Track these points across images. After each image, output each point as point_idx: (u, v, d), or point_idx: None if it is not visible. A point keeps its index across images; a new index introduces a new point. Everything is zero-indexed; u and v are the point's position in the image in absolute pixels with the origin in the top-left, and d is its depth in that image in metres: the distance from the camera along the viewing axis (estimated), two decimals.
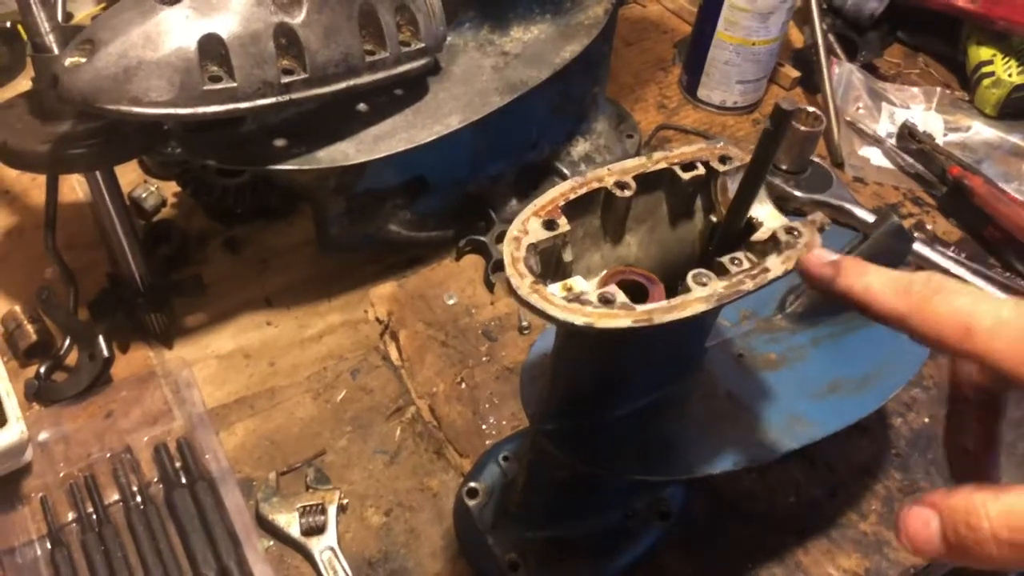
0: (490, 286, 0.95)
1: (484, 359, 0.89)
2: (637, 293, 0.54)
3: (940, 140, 1.14)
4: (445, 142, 0.84)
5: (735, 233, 0.57)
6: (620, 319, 0.48)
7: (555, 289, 0.50)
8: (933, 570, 0.80)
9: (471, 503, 0.76)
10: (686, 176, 0.57)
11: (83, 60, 0.67)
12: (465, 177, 0.97)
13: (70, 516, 0.76)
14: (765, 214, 0.56)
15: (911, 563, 0.78)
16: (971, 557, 0.38)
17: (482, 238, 0.97)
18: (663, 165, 0.58)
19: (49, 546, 0.73)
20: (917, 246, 1.00)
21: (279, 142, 0.79)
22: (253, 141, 0.80)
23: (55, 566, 0.72)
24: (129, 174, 0.99)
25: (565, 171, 1.03)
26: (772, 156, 0.53)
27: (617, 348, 0.58)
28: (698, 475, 0.65)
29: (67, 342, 0.85)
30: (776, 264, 0.53)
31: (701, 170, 0.58)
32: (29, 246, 0.95)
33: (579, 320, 0.48)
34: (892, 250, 0.75)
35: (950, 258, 1.00)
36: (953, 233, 1.07)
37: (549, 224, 0.53)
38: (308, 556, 0.74)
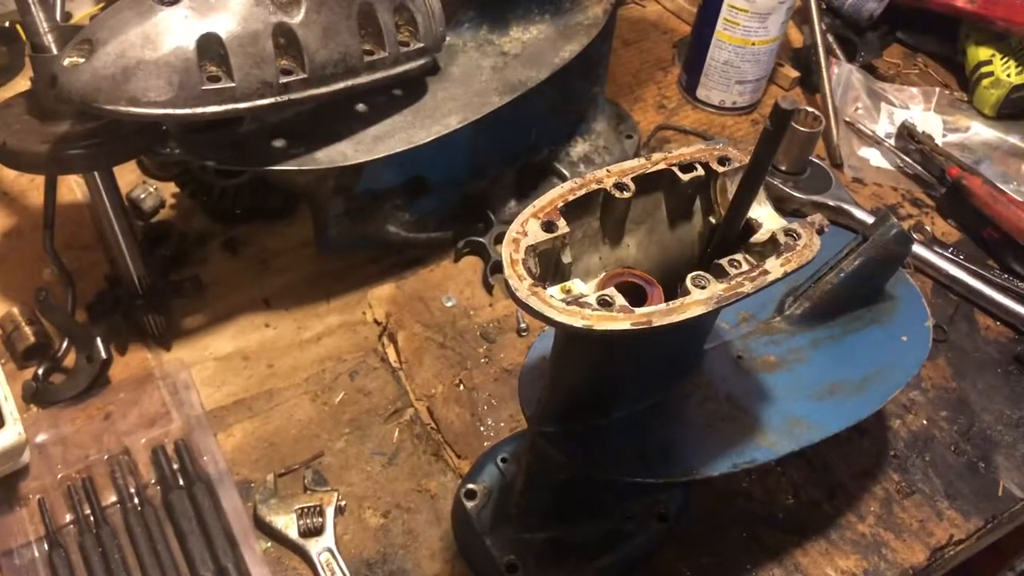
0: (489, 288, 0.95)
1: (483, 361, 0.89)
2: (636, 295, 0.54)
3: (939, 140, 1.14)
4: (444, 143, 0.84)
5: (734, 235, 0.57)
6: (619, 322, 0.48)
7: (554, 291, 0.50)
8: (932, 571, 0.80)
9: (469, 505, 0.75)
10: (685, 177, 0.57)
11: (81, 60, 0.67)
12: (464, 178, 0.97)
13: (68, 518, 0.75)
14: (764, 215, 0.56)
15: (909, 564, 0.78)
16: None
17: (481, 239, 0.97)
18: (662, 166, 0.58)
19: (47, 548, 0.73)
20: (916, 248, 1.00)
21: (278, 143, 0.79)
22: (252, 142, 0.80)
23: (53, 568, 0.72)
24: (128, 175, 0.99)
25: (564, 172, 1.03)
26: (771, 157, 0.53)
27: (616, 350, 0.58)
28: (697, 477, 0.65)
29: (65, 344, 0.85)
30: (775, 266, 0.53)
31: (700, 171, 0.58)
32: (27, 247, 0.95)
33: (578, 323, 0.48)
34: (891, 252, 0.75)
35: (948, 259, 1.00)
36: (952, 234, 1.07)
37: (548, 226, 0.53)
38: (306, 557, 0.74)
